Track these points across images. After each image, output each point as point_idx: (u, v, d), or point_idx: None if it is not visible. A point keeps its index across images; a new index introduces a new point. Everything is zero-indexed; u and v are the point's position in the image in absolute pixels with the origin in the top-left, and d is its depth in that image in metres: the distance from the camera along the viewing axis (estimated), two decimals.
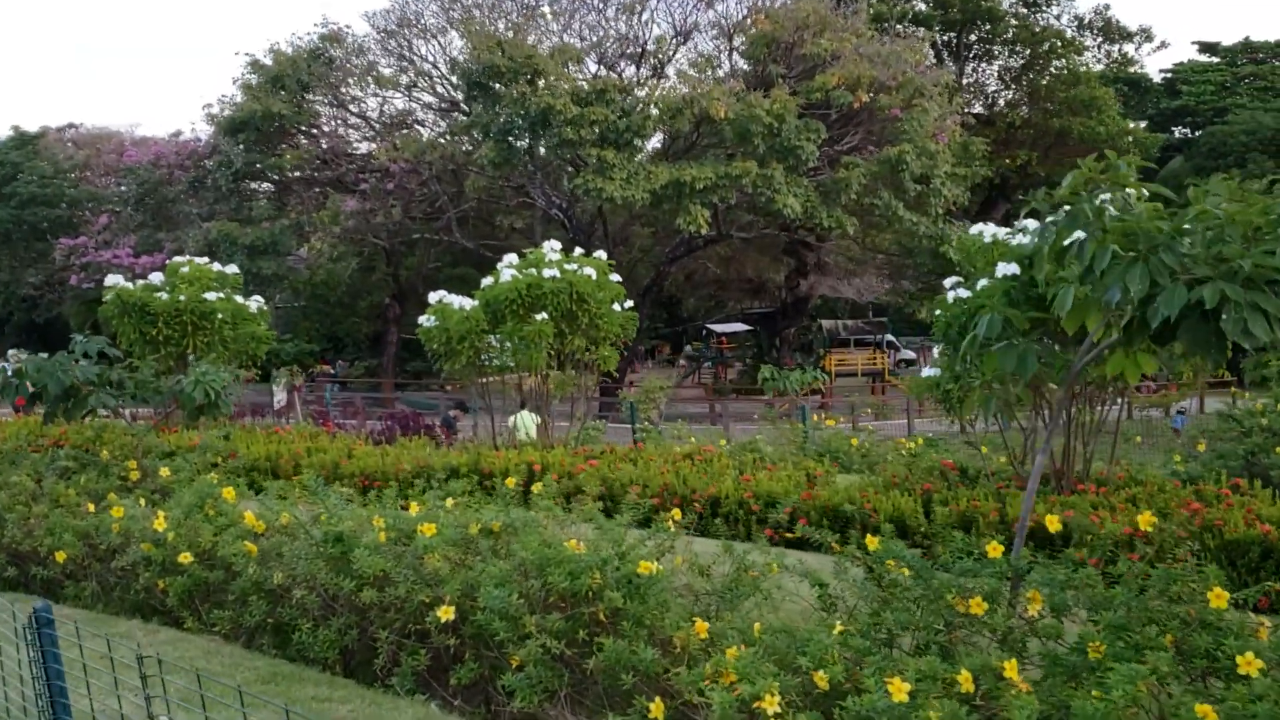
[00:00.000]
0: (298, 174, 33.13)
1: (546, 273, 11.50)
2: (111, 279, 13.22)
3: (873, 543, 5.58)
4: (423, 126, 35.88)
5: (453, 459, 11.61)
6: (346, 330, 46.89)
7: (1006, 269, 8.72)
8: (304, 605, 6.12)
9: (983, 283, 8.98)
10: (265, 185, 35.12)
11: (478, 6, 30.90)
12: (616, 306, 12.04)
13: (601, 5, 29.93)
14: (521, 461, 11.16)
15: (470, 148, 31.69)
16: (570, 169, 28.32)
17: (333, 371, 33.95)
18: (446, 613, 5.37)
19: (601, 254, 12.26)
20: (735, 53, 29.19)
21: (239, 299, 13.88)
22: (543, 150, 26.64)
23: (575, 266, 11.74)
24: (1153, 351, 5.30)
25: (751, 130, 24.16)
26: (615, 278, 12.15)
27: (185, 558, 6.79)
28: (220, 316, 13.26)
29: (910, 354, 56.27)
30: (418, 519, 6.18)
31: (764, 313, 48.78)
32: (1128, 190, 5.10)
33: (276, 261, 28.87)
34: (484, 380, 12.41)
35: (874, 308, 57.87)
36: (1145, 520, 5.57)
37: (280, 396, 24.47)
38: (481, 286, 12.15)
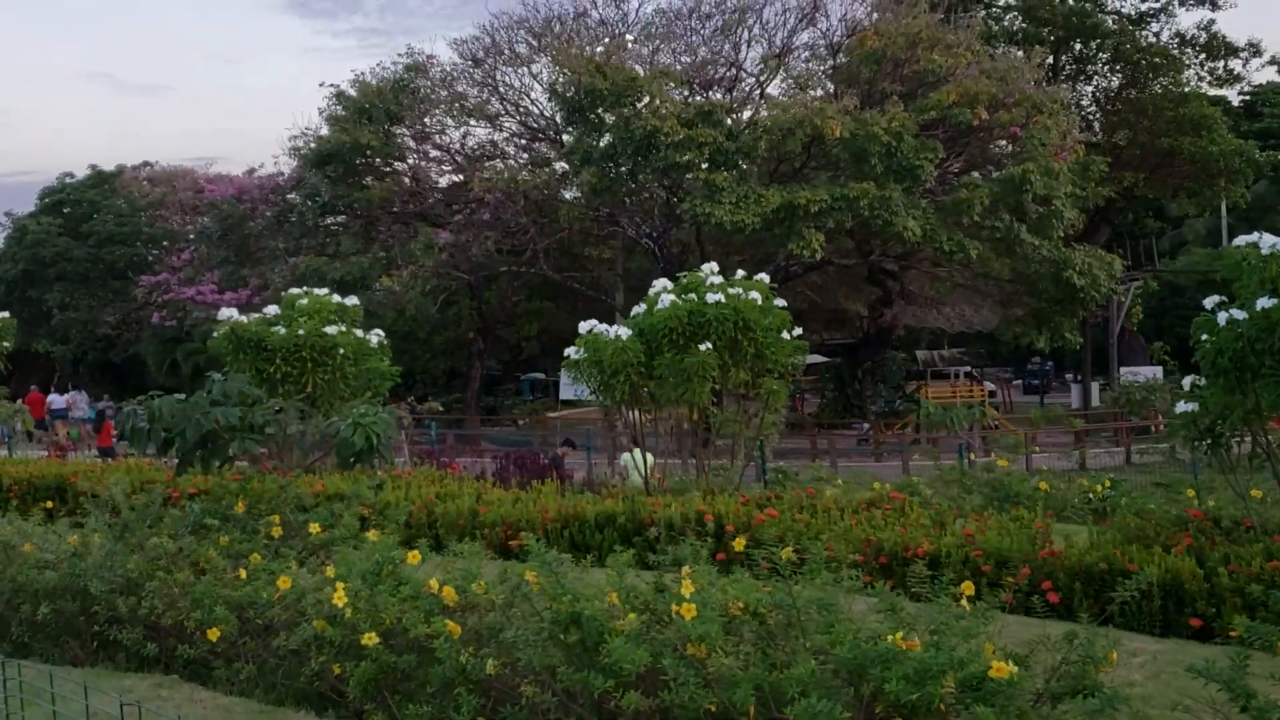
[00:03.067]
0: (384, 208, 32.43)
1: (710, 297, 10.30)
2: (225, 312, 12.28)
3: None
4: (505, 159, 35.13)
5: (606, 507, 10.41)
6: (423, 366, 46.15)
7: None
8: (535, 705, 4.91)
9: (1265, 302, 7.65)
10: (349, 220, 34.46)
11: (571, 33, 30.08)
12: (784, 334, 10.81)
13: (700, 26, 29.01)
14: (689, 511, 9.93)
15: (558, 177, 30.86)
16: (670, 195, 27.27)
17: (440, 408, 33.16)
18: None
19: (763, 276, 11.05)
20: (835, 72, 28.03)
21: (358, 333, 12.88)
22: (642, 177, 25.61)
23: (739, 290, 10.54)
24: None
25: (869, 150, 22.94)
26: (780, 303, 10.92)
27: (369, 639, 5.59)
28: (342, 352, 12.24)
29: (990, 385, 54.41)
30: (675, 596, 4.94)
31: (844, 344, 47.35)
32: None
33: (365, 297, 28.04)
34: (635, 415, 11.19)
35: (949, 339, 56.10)
36: None
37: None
38: (632, 314, 11.00)
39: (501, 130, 34.25)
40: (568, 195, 32.40)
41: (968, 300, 39.54)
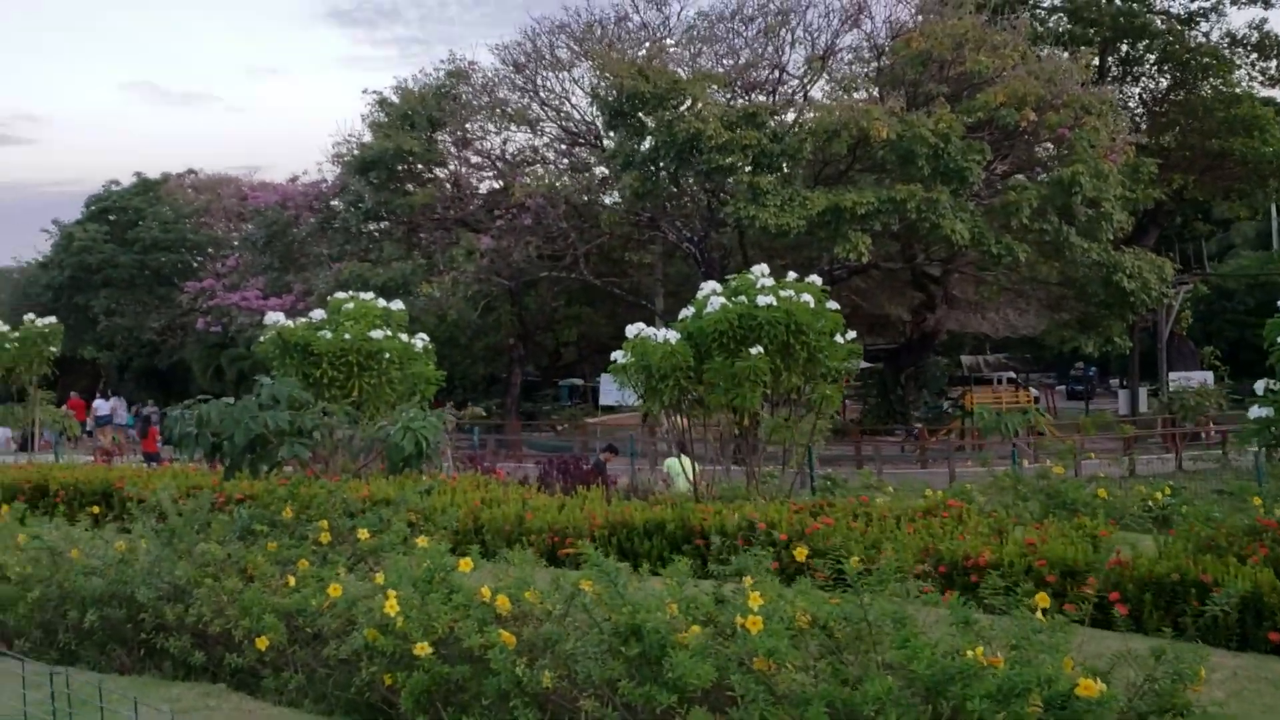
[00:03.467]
0: (425, 214, 32.54)
1: (761, 300, 10.09)
2: (271, 317, 12.24)
3: None
4: (545, 164, 35.11)
5: (655, 514, 10.22)
6: (463, 372, 46.18)
7: None
8: None
9: None
10: (391, 226, 34.58)
11: (612, 38, 29.97)
12: (837, 338, 10.59)
13: (743, 29, 28.83)
14: (741, 518, 9.72)
15: (598, 182, 30.80)
16: (712, 198, 27.07)
17: (484, 413, 33.12)
18: None
19: (815, 279, 10.83)
20: (880, 74, 27.71)
21: (403, 337, 12.81)
22: (684, 180, 25.44)
23: (790, 293, 10.32)
24: None
25: (915, 151, 22.62)
26: (833, 305, 10.70)
27: (422, 649, 5.45)
28: (387, 356, 12.16)
29: (1033, 391, 53.66)
30: (740, 607, 4.76)
31: (886, 349, 46.86)
32: None
33: (408, 303, 28.06)
34: (683, 421, 10.99)
35: (992, 344, 55.35)
36: None
37: None
38: (680, 318, 10.81)
39: (542, 135, 34.26)
40: (607, 200, 32.33)
41: (1012, 305, 39.04)
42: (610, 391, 33.48)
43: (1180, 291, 36.09)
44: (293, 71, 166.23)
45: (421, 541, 7.11)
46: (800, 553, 6.03)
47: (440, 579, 6.07)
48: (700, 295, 10.64)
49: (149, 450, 24.75)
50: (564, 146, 34.70)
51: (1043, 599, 5.08)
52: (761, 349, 10.02)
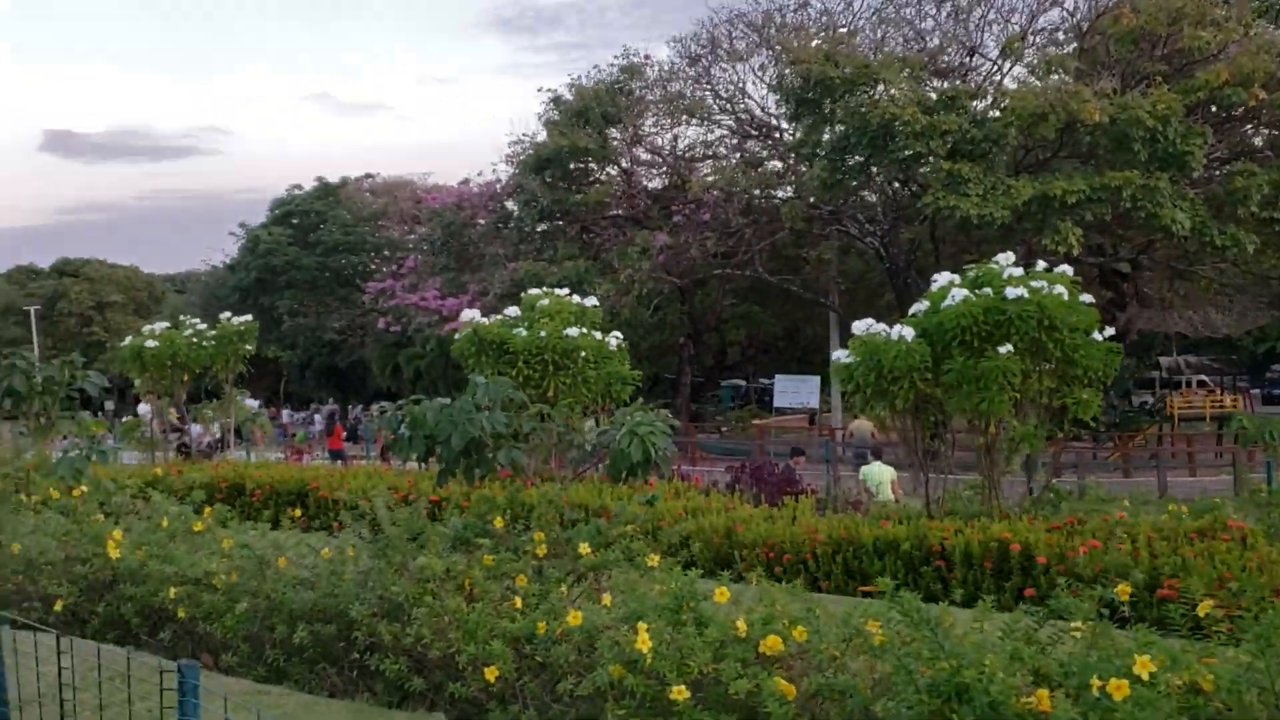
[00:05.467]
0: (598, 212, 32.21)
1: (1009, 292, 8.99)
2: (467, 314, 11.81)
3: None
4: (717, 159, 34.30)
5: (886, 531, 9.25)
6: None
7: None
8: None
9: None
10: (565, 224, 34.41)
11: (794, 25, 28.96)
12: (1094, 336, 9.41)
13: (933, 10, 27.46)
14: (988, 539, 8.67)
15: (776, 173, 29.79)
16: (905, 188, 25.70)
17: (671, 417, 32.61)
18: None
19: (1066, 269, 9.66)
20: (1083, 54, 25.83)
21: (597, 335, 12.17)
22: (876, 169, 24.20)
23: (1041, 284, 9.19)
24: None
25: (1130, 135, 20.83)
26: (1087, 299, 9.51)
27: (680, 693, 4.67)
28: (583, 355, 11.53)
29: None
30: (1099, 666, 3.79)
31: None
32: None
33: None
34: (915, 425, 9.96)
35: (1182, 345, 51.88)
36: None
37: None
38: (911, 313, 9.80)
39: (714, 130, 33.47)
40: (780, 195, 31.30)
41: (1213, 302, 36.22)
42: (786, 393, 32.42)
43: None
44: (459, 80, 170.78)
45: (652, 560, 6.36)
46: (1124, 590, 5.00)
47: (690, 607, 5.29)
48: (936, 287, 9.63)
49: (334, 448, 25.04)
50: (735, 141, 33.83)
51: None
52: (1010, 347, 8.93)
